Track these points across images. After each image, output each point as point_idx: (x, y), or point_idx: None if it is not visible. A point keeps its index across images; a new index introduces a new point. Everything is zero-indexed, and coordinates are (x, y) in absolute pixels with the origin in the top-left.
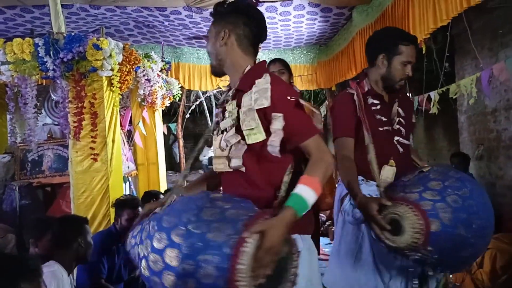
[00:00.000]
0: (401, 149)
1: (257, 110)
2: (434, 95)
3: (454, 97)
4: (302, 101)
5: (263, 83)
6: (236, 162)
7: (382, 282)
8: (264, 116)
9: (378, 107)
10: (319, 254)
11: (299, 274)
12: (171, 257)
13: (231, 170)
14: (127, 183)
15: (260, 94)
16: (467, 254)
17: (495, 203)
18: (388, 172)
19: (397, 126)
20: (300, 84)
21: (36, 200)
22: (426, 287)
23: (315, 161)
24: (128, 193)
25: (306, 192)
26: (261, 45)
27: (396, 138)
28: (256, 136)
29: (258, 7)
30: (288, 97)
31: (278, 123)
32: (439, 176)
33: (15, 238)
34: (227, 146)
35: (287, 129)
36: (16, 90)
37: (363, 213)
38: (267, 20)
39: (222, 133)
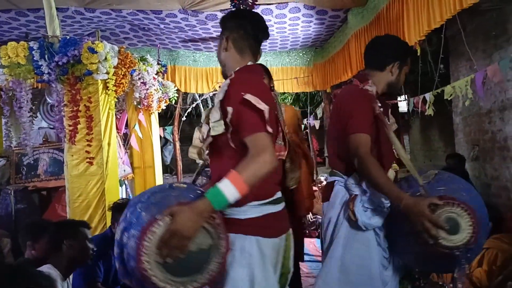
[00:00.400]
0: (395, 153)
1: (220, 104)
2: (429, 96)
3: (449, 99)
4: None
5: (229, 79)
6: (205, 153)
7: None
8: (223, 110)
9: (381, 110)
10: (302, 260)
11: (240, 275)
12: (118, 230)
13: (203, 160)
14: (124, 186)
15: (221, 88)
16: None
17: (491, 203)
18: (391, 176)
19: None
20: (296, 86)
21: (31, 204)
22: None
23: (249, 158)
24: (124, 196)
25: (227, 188)
26: None
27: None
28: (218, 128)
29: (254, 9)
30: (242, 93)
31: (230, 116)
32: (449, 180)
33: (10, 243)
34: (203, 138)
35: (235, 123)
36: (11, 94)
37: (411, 214)
38: None
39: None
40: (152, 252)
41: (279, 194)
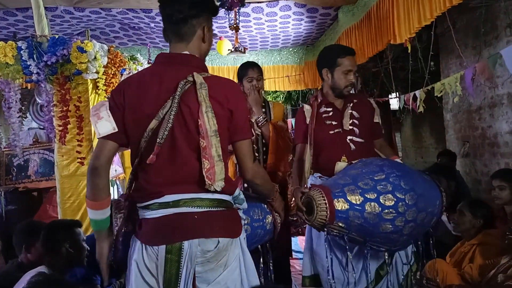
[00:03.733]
0: (353, 147)
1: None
2: (419, 93)
3: (439, 96)
4: None
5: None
6: None
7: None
8: None
9: (330, 113)
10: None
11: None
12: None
13: None
14: (115, 186)
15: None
16: (388, 231)
17: (482, 199)
18: (341, 167)
19: (350, 127)
20: (288, 85)
21: (22, 206)
22: (386, 271)
23: None
24: (116, 196)
25: None
26: (248, 46)
27: (349, 137)
28: None
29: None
30: None
31: None
32: (362, 165)
33: (1, 244)
34: None
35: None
36: (0, 94)
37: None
38: (253, 21)
39: None
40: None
41: (167, 198)
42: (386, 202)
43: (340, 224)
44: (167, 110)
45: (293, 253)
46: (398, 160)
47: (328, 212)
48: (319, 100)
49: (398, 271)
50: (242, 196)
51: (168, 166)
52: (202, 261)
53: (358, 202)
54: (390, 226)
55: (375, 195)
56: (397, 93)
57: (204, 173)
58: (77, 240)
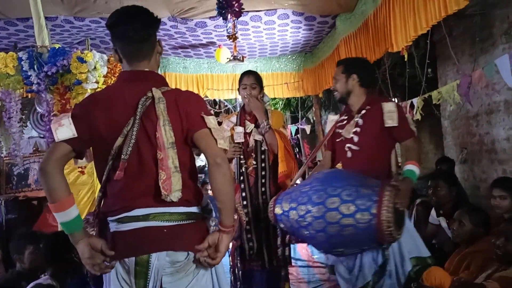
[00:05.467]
0: (350, 154)
1: None
2: (417, 101)
3: (436, 103)
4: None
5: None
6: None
7: None
8: None
9: (344, 122)
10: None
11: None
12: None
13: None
14: None
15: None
16: (307, 236)
17: (480, 205)
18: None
19: (351, 136)
20: (286, 92)
21: (22, 214)
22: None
23: None
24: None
25: None
26: (247, 53)
27: (347, 145)
28: None
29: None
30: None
31: None
32: (311, 177)
33: (1, 253)
34: None
35: None
36: (1, 104)
37: None
38: (252, 29)
39: None
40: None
41: (136, 212)
42: (300, 211)
43: (281, 225)
44: (130, 127)
45: (292, 260)
46: (413, 166)
47: (272, 216)
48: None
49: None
50: (210, 206)
51: (136, 181)
52: (171, 272)
53: (286, 209)
54: (306, 232)
55: (296, 205)
56: (396, 99)
57: (160, 184)
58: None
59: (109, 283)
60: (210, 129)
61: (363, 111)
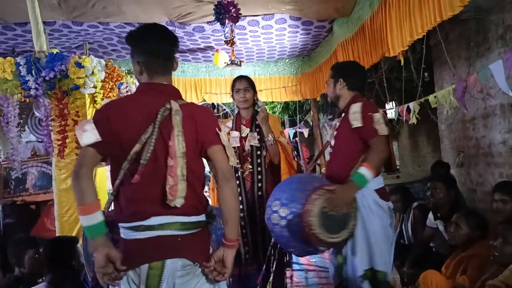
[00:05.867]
0: (328, 157)
1: None
2: (413, 105)
3: (433, 107)
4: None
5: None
6: None
7: None
8: None
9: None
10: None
11: None
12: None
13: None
14: None
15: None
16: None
17: (476, 209)
18: None
19: (332, 139)
20: (284, 95)
21: (20, 219)
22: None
23: None
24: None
25: None
26: (245, 57)
27: (328, 149)
28: None
29: (239, 21)
30: None
31: None
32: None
33: None
34: None
35: None
36: None
37: None
38: (249, 34)
39: None
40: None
41: (152, 221)
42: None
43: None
44: (149, 135)
45: (292, 265)
46: (363, 169)
47: None
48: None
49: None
50: (214, 212)
51: (151, 186)
52: (182, 274)
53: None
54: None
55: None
56: (393, 102)
57: (167, 189)
58: (79, 257)
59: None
60: (223, 145)
61: (343, 115)
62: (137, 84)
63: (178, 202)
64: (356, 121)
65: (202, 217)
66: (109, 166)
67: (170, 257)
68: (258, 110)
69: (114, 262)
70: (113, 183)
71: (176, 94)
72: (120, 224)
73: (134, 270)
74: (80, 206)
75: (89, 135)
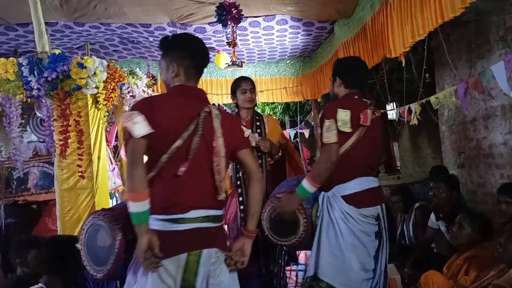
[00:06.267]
0: None
1: None
2: (414, 107)
3: (434, 108)
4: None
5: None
6: None
7: None
8: None
9: None
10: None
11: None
12: None
13: None
14: (114, 199)
15: None
16: None
17: (477, 210)
18: None
19: None
20: (285, 96)
21: (22, 219)
22: None
23: None
24: None
25: None
26: (246, 58)
27: None
28: None
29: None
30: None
31: None
32: None
33: (0, 258)
34: None
35: None
36: (1, 109)
37: None
38: (251, 35)
39: None
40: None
41: (191, 214)
42: None
43: None
44: (191, 133)
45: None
46: (304, 180)
47: None
48: None
49: None
50: None
51: (191, 181)
52: (214, 261)
53: None
54: None
55: None
56: (394, 103)
57: (217, 184)
58: (79, 258)
59: (145, 277)
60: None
61: None
62: (139, 84)
63: (223, 196)
64: (319, 127)
65: (223, 212)
66: (109, 165)
67: (207, 247)
68: (257, 145)
69: (153, 248)
70: (147, 173)
71: (207, 100)
72: (155, 216)
73: (171, 259)
74: (133, 193)
75: (140, 126)
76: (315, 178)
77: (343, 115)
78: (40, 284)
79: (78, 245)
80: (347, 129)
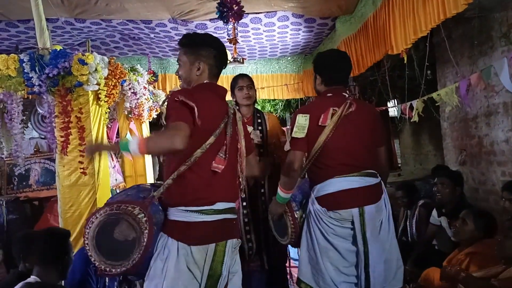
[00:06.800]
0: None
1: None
2: (415, 103)
3: (436, 105)
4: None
5: None
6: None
7: None
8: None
9: None
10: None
11: (158, 267)
12: None
13: None
14: None
15: None
16: None
17: (479, 208)
18: None
19: None
20: (286, 93)
21: (23, 215)
22: None
23: (159, 132)
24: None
25: (132, 142)
26: (247, 55)
27: None
28: None
29: (242, 18)
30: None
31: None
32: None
33: (2, 253)
34: None
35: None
36: (2, 106)
37: None
38: (252, 31)
39: None
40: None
41: (218, 206)
42: None
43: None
44: (220, 131)
45: (292, 261)
46: (278, 189)
47: None
48: None
49: None
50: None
51: (220, 176)
52: (235, 248)
53: None
54: None
55: None
56: (395, 100)
57: (239, 181)
58: (71, 252)
59: (173, 265)
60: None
61: None
62: (140, 81)
63: (244, 192)
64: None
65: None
66: (110, 162)
67: (231, 238)
68: (259, 142)
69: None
70: (175, 169)
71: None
72: (182, 207)
73: (200, 252)
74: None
75: (183, 113)
76: (283, 185)
77: (302, 120)
78: (33, 276)
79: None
80: (301, 134)
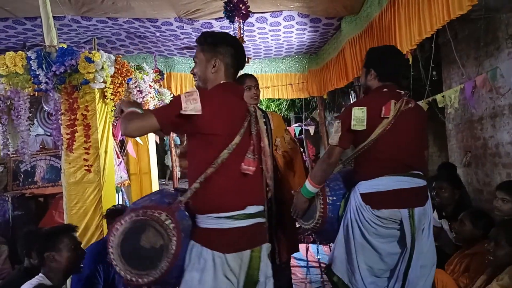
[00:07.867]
0: None
1: None
2: (421, 104)
3: (439, 106)
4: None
5: None
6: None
7: None
8: None
9: None
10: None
11: (193, 278)
12: None
13: None
14: (120, 193)
15: None
16: None
17: (483, 209)
18: None
19: None
20: (291, 93)
21: (28, 211)
22: None
23: None
24: (121, 203)
25: None
26: (252, 54)
27: None
28: None
29: (248, 18)
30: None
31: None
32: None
33: (7, 249)
34: None
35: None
36: (9, 102)
37: None
38: (257, 31)
39: None
40: (115, 246)
41: (249, 210)
42: None
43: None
44: (245, 130)
45: (295, 261)
46: (306, 180)
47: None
48: None
49: None
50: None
51: (248, 178)
52: (267, 253)
53: None
54: None
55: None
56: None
57: (266, 181)
58: (62, 250)
59: (209, 277)
60: None
61: None
62: (146, 79)
63: (270, 192)
64: None
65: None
66: (115, 159)
67: (264, 242)
68: None
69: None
70: (200, 170)
71: None
72: (213, 215)
73: (235, 260)
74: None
75: (195, 105)
76: (314, 178)
77: (359, 112)
78: (40, 275)
79: (70, 236)
80: (361, 127)
